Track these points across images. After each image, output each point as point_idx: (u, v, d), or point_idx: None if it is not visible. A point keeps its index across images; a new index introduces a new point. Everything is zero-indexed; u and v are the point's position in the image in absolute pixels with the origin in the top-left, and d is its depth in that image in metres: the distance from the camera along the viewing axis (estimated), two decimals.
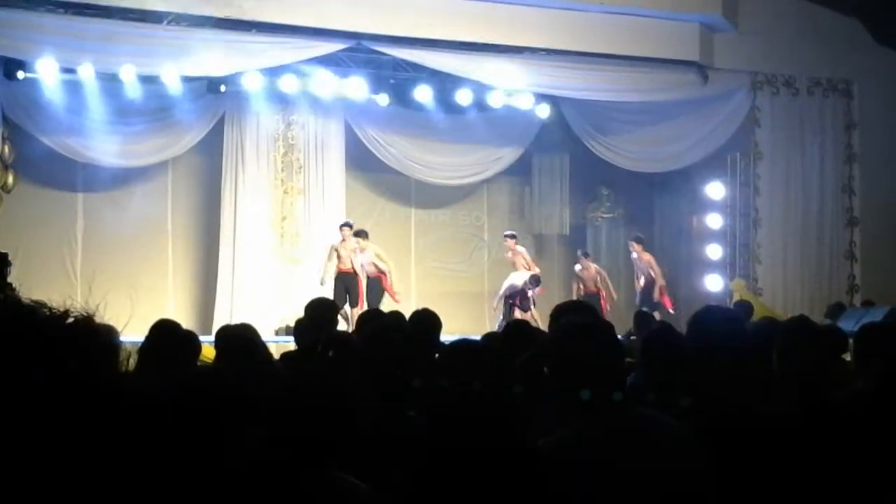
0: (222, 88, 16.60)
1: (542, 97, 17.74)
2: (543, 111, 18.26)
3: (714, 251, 18.23)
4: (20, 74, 15.25)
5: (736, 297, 16.51)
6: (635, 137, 18.10)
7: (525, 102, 17.71)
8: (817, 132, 18.03)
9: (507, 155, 18.84)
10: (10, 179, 15.96)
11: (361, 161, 18.07)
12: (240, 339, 6.16)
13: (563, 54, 16.39)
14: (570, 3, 15.95)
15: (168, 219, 17.55)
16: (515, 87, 17.17)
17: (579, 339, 3.29)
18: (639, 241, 18.12)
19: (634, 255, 18.04)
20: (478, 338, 6.74)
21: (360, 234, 16.36)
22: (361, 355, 4.83)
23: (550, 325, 5.43)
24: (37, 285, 14.98)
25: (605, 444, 3.12)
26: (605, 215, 19.79)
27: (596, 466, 3.05)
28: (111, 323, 3.52)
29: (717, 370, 4.08)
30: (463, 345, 4.35)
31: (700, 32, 16.86)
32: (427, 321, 6.99)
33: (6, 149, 15.77)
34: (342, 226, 16.36)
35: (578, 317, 4.32)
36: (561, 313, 5.36)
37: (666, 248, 19.77)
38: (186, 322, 11.28)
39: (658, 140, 17.98)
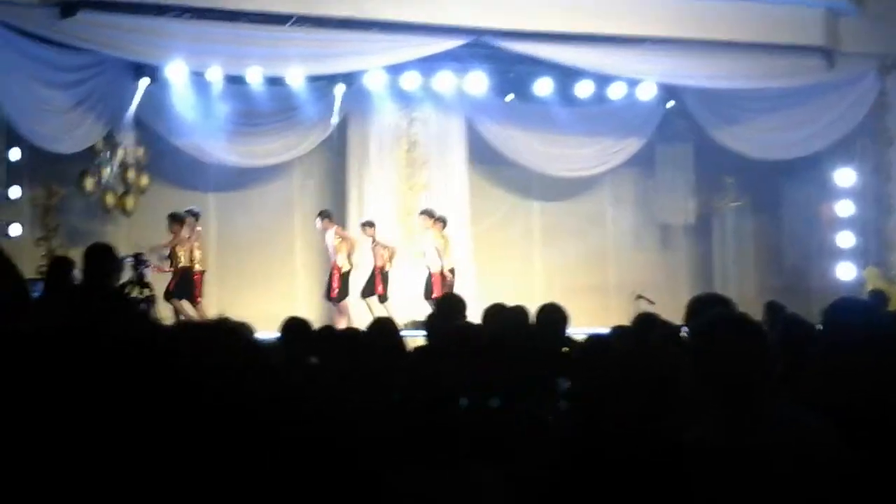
0: (345, 87, 16.82)
1: (663, 87, 17.56)
2: (665, 101, 18.08)
3: (845, 239, 17.82)
4: (151, 79, 15.68)
5: (870, 286, 16.13)
6: (760, 125, 17.82)
7: (646, 93, 17.56)
8: None
9: (630, 146, 18.66)
10: (145, 180, 16.40)
11: (483, 155, 18.10)
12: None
13: (685, 43, 16.23)
14: None
15: (295, 217, 17.80)
16: (636, 78, 17.06)
17: (731, 333, 3.25)
18: (325, 216, 16.56)
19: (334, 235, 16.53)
20: (607, 331, 6.78)
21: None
22: (488, 351, 4.89)
23: (688, 317, 5.41)
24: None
25: (746, 439, 3.10)
26: (731, 204, 19.47)
27: (736, 461, 3.04)
28: (247, 321, 3.65)
29: (853, 363, 4.02)
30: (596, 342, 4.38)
31: (825, 17, 16.54)
32: (554, 315, 7.02)
33: (140, 151, 16.21)
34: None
35: (725, 310, 4.29)
36: (703, 305, 5.36)
37: (795, 236, 19.38)
38: (317, 320, 11.52)
39: (783, 127, 17.66)
